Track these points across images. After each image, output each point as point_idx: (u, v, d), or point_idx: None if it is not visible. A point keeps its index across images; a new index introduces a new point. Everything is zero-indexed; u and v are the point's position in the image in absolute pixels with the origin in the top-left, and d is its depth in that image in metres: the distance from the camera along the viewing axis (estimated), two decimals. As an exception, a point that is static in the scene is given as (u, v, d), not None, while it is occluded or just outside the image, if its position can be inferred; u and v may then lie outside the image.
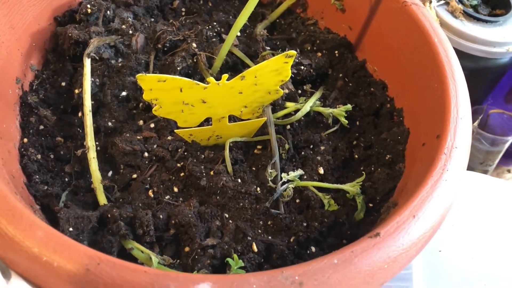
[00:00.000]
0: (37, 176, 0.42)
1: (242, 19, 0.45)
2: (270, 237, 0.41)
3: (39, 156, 0.44)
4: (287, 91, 0.49)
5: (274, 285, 0.30)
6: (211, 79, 0.38)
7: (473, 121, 0.59)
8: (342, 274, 0.31)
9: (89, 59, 0.47)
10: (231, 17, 0.56)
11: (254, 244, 0.40)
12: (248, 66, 0.51)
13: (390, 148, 0.46)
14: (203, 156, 0.45)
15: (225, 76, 0.38)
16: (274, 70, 0.38)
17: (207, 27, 0.53)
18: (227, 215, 0.42)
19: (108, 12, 0.51)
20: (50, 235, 0.31)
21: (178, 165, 0.44)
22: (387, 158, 0.46)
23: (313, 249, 0.41)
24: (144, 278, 0.30)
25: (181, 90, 0.38)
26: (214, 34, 0.53)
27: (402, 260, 0.34)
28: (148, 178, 0.44)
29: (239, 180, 0.43)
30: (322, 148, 0.46)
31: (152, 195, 0.43)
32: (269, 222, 0.42)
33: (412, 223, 0.34)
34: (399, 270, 0.34)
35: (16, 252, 0.31)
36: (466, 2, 0.59)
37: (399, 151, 0.45)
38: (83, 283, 0.30)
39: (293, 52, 0.37)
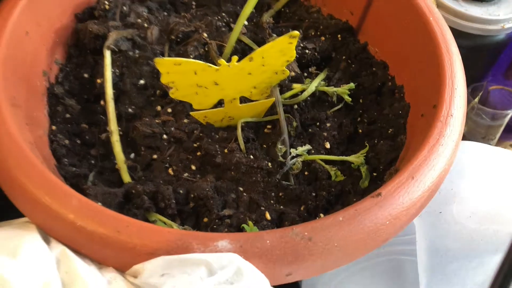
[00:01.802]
0: (66, 159, 0.46)
1: (249, 8, 0.48)
2: (281, 207, 0.44)
3: (66, 141, 0.47)
4: (293, 73, 0.52)
5: (286, 240, 0.34)
6: (222, 61, 0.41)
7: (474, 98, 0.62)
8: (347, 230, 0.35)
9: (109, 51, 0.50)
10: (238, 7, 0.59)
11: (267, 213, 0.43)
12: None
13: (392, 122, 0.49)
14: (217, 136, 0.49)
15: (235, 57, 0.41)
16: (280, 50, 0.42)
17: (216, 18, 0.56)
18: (241, 189, 0.45)
19: (124, 7, 0.54)
20: (84, 203, 0.35)
21: (195, 145, 0.48)
22: (389, 131, 0.49)
23: (322, 216, 0.44)
24: (168, 236, 0.33)
25: (195, 73, 0.41)
26: (224, 24, 0.56)
27: (403, 218, 0.37)
28: (168, 158, 0.47)
29: (251, 157, 0.46)
30: (328, 124, 0.49)
31: (172, 173, 0.46)
32: (280, 194, 0.45)
33: (411, 183, 0.37)
34: (401, 228, 0.37)
35: (53, 219, 0.35)
36: (462, -17, 0.62)
37: (400, 124, 0.48)
38: (115, 244, 0.34)
39: (296, 32, 0.40)
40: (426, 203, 0.39)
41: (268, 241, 0.33)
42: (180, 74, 0.41)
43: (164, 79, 0.41)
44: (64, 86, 0.51)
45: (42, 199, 0.35)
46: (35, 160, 0.37)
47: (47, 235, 0.36)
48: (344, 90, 0.50)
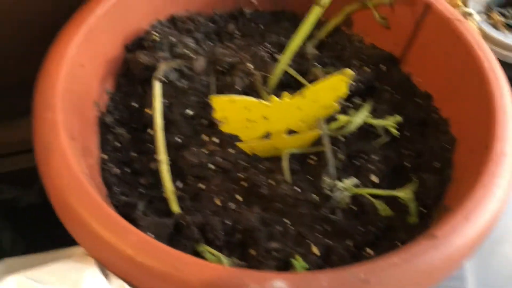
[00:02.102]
0: (117, 188, 0.47)
1: (297, 41, 0.49)
2: (328, 241, 0.44)
3: (117, 170, 0.49)
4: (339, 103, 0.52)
5: (343, 282, 0.34)
6: (273, 97, 0.42)
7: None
8: (403, 272, 0.35)
9: (158, 82, 0.52)
10: (282, 38, 0.60)
11: (314, 247, 0.43)
12: (300, 83, 0.55)
13: (438, 156, 0.49)
14: (262, 166, 0.49)
15: (286, 94, 0.42)
16: (332, 88, 0.42)
17: (261, 49, 0.57)
18: (287, 221, 0.45)
19: (172, 38, 0.56)
20: (142, 238, 0.36)
21: (241, 175, 0.48)
22: (436, 165, 0.48)
23: (369, 251, 0.44)
24: (223, 274, 0.34)
25: (247, 109, 0.42)
26: (268, 54, 0.57)
27: (457, 259, 0.37)
28: (214, 188, 0.48)
29: (297, 188, 0.47)
30: (374, 157, 0.49)
31: (219, 203, 0.47)
32: (327, 227, 0.45)
33: (466, 225, 0.37)
34: (455, 269, 0.37)
35: (112, 254, 0.36)
36: (508, 15, 0.61)
37: (447, 158, 0.48)
38: (173, 280, 0.34)
39: (350, 71, 0.41)
40: (479, 244, 0.38)
41: (324, 283, 0.33)
42: (233, 110, 0.42)
43: (217, 115, 0.42)
44: (114, 115, 0.52)
45: (102, 234, 0.36)
46: (94, 194, 0.38)
47: (105, 269, 0.37)
48: (390, 123, 0.50)
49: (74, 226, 0.38)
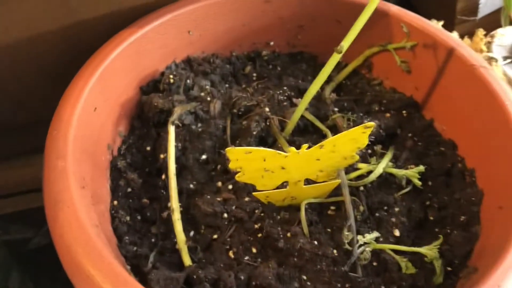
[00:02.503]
0: (127, 237, 0.46)
1: (315, 86, 0.48)
2: (348, 300, 0.42)
3: (128, 218, 0.47)
4: (359, 152, 0.50)
5: None
6: (292, 148, 0.40)
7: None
8: None
9: (173, 126, 0.50)
10: (300, 81, 0.58)
11: (333, 306, 0.41)
12: (318, 128, 0.53)
13: (464, 209, 0.47)
14: (279, 217, 0.47)
15: (304, 146, 0.40)
16: (352, 139, 0.41)
17: (278, 92, 0.56)
18: (305, 277, 0.43)
19: (188, 81, 0.55)
20: (151, 300, 0.34)
21: (256, 226, 0.46)
22: (461, 219, 0.46)
23: (392, 312, 0.41)
24: None
25: (264, 160, 0.40)
26: (285, 98, 0.56)
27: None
28: (228, 239, 0.46)
29: (315, 242, 0.45)
30: (396, 209, 0.47)
31: (232, 256, 0.45)
32: (347, 285, 0.43)
33: (498, 293, 0.34)
34: None
35: (120, 316, 0.34)
36: (534, 60, 0.60)
37: (474, 213, 0.46)
38: None
39: (371, 124, 0.39)
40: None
41: None
42: (249, 161, 0.40)
43: (233, 165, 0.41)
44: (127, 159, 0.51)
45: (108, 292, 0.34)
46: (104, 250, 0.36)
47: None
48: (413, 173, 0.48)
49: (81, 282, 0.36)
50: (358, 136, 0.40)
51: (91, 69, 0.48)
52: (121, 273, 0.35)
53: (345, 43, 0.44)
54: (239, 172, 0.42)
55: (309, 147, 0.41)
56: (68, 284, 0.39)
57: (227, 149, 0.38)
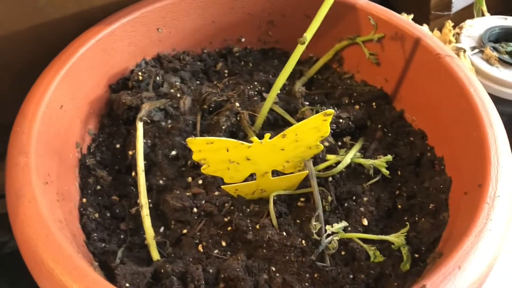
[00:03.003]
0: (95, 234, 0.45)
1: (282, 79, 0.48)
2: (317, 290, 0.42)
3: (96, 215, 0.47)
4: (327, 144, 0.50)
5: None
6: (254, 138, 0.40)
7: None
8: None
9: (142, 123, 0.50)
10: (270, 76, 0.59)
11: (301, 297, 0.40)
12: (288, 122, 0.53)
13: (433, 197, 0.47)
14: (248, 210, 0.47)
15: (267, 135, 0.40)
16: (314, 127, 0.41)
17: (248, 87, 0.56)
18: (274, 268, 0.43)
19: (158, 77, 0.55)
20: (111, 292, 0.34)
21: (225, 219, 0.46)
22: (430, 207, 0.46)
23: (360, 301, 0.41)
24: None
25: (227, 150, 0.40)
26: (256, 93, 0.56)
27: (450, 313, 0.34)
28: (198, 233, 0.46)
29: (284, 233, 0.44)
30: (365, 199, 0.47)
31: (201, 250, 0.45)
32: (315, 275, 0.43)
33: (458, 274, 0.34)
34: (448, 323, 0.34)
35: (80, 309, 0.33)
36: (501, 49, 0.60)
37: (442, 200, 0.46)
38: (142, 338, 0.32)
39: (331, 111, 0.39)
40: (474, 294, 0.36)
41: None
42: (212, 152, 0.40)
43: (196, 157, 0.41)
44: (96, 157, 0.51)
45: (69, 287, 0.34)
46: (64, 244, 0.36)
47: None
48: (381, 162, 0.48)
49: (42, 278, 0.35)
50: (320, 124, 0.40)
51: (57, 66, 0.48)
52: (82, 266, 0.35)
53: (308, 34, 0.44)
54: (204, 164, 0.42)
55: (271, 137, 0.41)
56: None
57: (188, 139, 0.38)
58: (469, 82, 0.47)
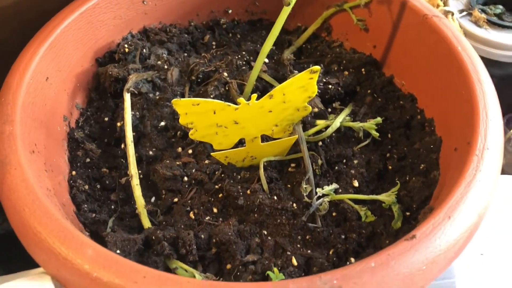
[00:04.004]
0: (86, 205, 0.45)
1: (268, 45, 0.47)
2: (309, 251, 0.42)
3: (86, 187, 0.47)
4: (316, 109, 0.50)
5: (313, 290, 0.31)
6: (241, 99, 0.40)
7: (510, 129, 0.59)
8: (380, 277, 0.32)
9: (129, 94, 0.50)
10: (258, 45, 0.58)
11: (293, 258, 0.40)
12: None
13: (423, 157, 0.46)
14: (239, 176, 0.47)
15: (254, 96, 0.40)
16: (301, 86, 0.40)
17: (236, 57, 0.55)
18: (265, 232, 0.43)
19: (144, 50, 0.54)
20: (99, 252, 0.33)
21: (216, 186, 0.46)
22: (421, 167, 0.46)
23: (353, 260, 0.41)
24: (188, 287, 0.31)
25: (214, 113, 0.40)
26: (244, 62, 0.55)
27: (440, 262, 0.34)
28: (189, 201, 0.45)
29: (275, 197, 0.44)
30: (355, 161, 0.47)
31: (193, 217, 0.44)
32: (307, 237, 0.43)
33: (448, 224, 0.34)
34: (439, 273, 0.34)
35: (68, 270, 0.33)
36: (489, 11, 0.60)
37: (432, 160, 0.45)
38: (131, 296, 0.32)
39: (317, 67, 0.39)
40: (465, 245, 0.35)
41: (293, 291, 0.31)
42: (199, 115, 0.40)
43: (182, 120, 0.40)
44: (85, 130, 0.51)
45: (57, 249, 0.33)
46: (51, 208, 0.36)
47: (62, 287, 0.34)
48: (371, 125, 0.48)
49: (29, 241, 0.35)
50: (306, 83, 0.40)
51: (41, 38, 0.47)
52: (69, 228, 0.34)
53: (293, -5, 0.44)
54: (191, 129, 0.42)
55: (258, 98, 0.40)
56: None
57: (173, 100, 0.38)
58: (457, 41, 0.47)
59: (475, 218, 0.35)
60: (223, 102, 0.39)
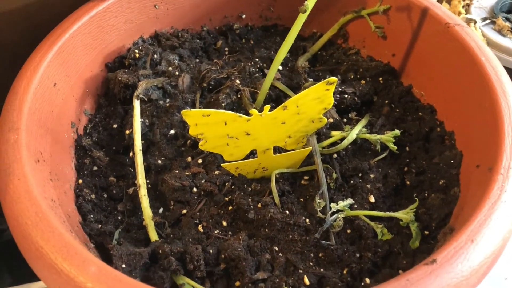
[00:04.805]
0: (92, 216, 0.44)
1: (283, 52, 0.46)
2: (322, 270, 0.40)
3: (93, 196, 0.45)
4: (331, 120, 0.48)
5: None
6: (253, 110, 0.38)
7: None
8: (398, 304, 0.30)
9: (138, 101, 0.49)
10: (272, 52, 0.57)
11: (305, 277, 0.39)
12: (292, 98, 0.51)
13: (443, 172, 0.44)
14: (250, 189, 0.45)
15: (267, 107, 0.38)
16: (316, 98, 0.38)
17: (249, 64, 0.54)
18: (276, 248, 0.41)
19: (155, 55, 0.53)
20: (103, 270, 0.32)
21: (226, 199, 0.44)
22: (440, 183, 0.44)
23: (368, 280, 0.39)
24: (193, 311, 0.30)
25: (225, 124, 0.39)
26: (257, 70, 0.54)
27: (462, 288, 0.32)
28: (198, 213, 0.44)
29: (287, 212, 0.43)
30: (372, 176, 0.45)
31: (201, 230, 0.43)
32: (320, 254, 0.41)
33: (471, 248, 0.32)
34: (461, 300, 0.32)
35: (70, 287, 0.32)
36: (514, 20, 0.57)
37: (453, 175, 0.43)
38: (135, 317, 0.30)
39: (333, 78, 0.37)
40: (489, 270, 0.33)
41: (306, 318, 0.29)
42: (209, 126, 0.38)
43: (192, 131, 0.39)
44: (93, 138, 0.49)
45: (59, 265, 0.32)
46: (54, 222, 0.34)
47: (63, 305, 0.33)
48: (388, 137, 0.46)
49: (31, 255, 0.34)
50: (322, 94, 0.38)
51: (49, 42, 0.46)
52: (72, 244, 0.33)
53: (310, 2, 0.42)
54: (202, 140, 0.41)
55: (271, 110, 0.39)
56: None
57: (183, 111, 0.36)
58: (480, 51, 0.45)
59: (500, 242, 0.33)
60: (234, 113, 0.38)
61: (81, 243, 0.35)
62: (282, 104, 0.39)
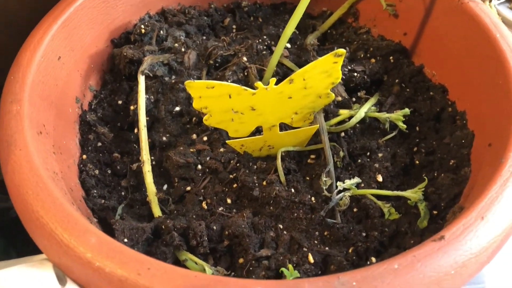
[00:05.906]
0: (95, 191, 0.43)
1: (291, 27, 0.45)
2: (327, 248, 0.39)
3: (97, 172, 0.45)
4: (340, 98, 0.47)
5: (330, 291, 0.28)
6: (259, 83, 0.37)
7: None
8: (404, 280, 0.29)
9: (143, 76, 0.48)
10: (280, 30, 0.55)
11: (310, 255, 0.38)
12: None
13: (454, 152, 0.43)
14: (255, 166, 0.44)
15: (273, 80, 0.37)
16: (324, 71, 0.37)
17: (257, 41, 0.53)
18: (281, 226, 0.40)
19: (161, 31, 0.52)
20: (103, 241, 0.31)
21: (231, 176, 0.44)
22: (451, 163, 0.43)
23: (374, 260, 0.38)
24: (194, 282, 0.29)
25: (230, 97, 0.38)
26: (265, 47, 0.53)
27: (471, 266, 0.31)
28: (202, 190, 0.43)
29: (293, 190, 0.42)
30: (380, 155, 0.44)
31: (205, 207, 0.42)
32: (325, 233, 0.40)
33: (481, 225, 0.31)
34: (469, 278, 0.31)
35: (70, 258, 0.31)
36: (530, -2, 0.56)
37: (464, 155, 0.42)
38: (134, 287, 0.30)
39: (342, 50, 0.36)
40: (499, 249, 0.32)
41: (308, 292, 0.28)
42: (214, 99, 0.38)
43: (196, 104, 0.38)
44: (97, 113, 0.49)
45: (59, 235, 0.32)
46: (55, 192, 0.34)
47: (63, 275, 0.32)
48: (398, 116, 0.45)
49: (31, 225, 0.34)
50: (330, 67, 0.37)
51: (54, 15, 0.46)
52: (73, 214, 0.32)
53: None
54: (206, 114, 0.40)
55: (277, 82, 0.38)
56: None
57: (186, 82, 0.36)
58: (495, 28, 0.43)
59: (511, 219, 0.32)
60: (239, 86, 0.37)
61: (82, 215, 0.35)
62: (289, 78, 0.37)
